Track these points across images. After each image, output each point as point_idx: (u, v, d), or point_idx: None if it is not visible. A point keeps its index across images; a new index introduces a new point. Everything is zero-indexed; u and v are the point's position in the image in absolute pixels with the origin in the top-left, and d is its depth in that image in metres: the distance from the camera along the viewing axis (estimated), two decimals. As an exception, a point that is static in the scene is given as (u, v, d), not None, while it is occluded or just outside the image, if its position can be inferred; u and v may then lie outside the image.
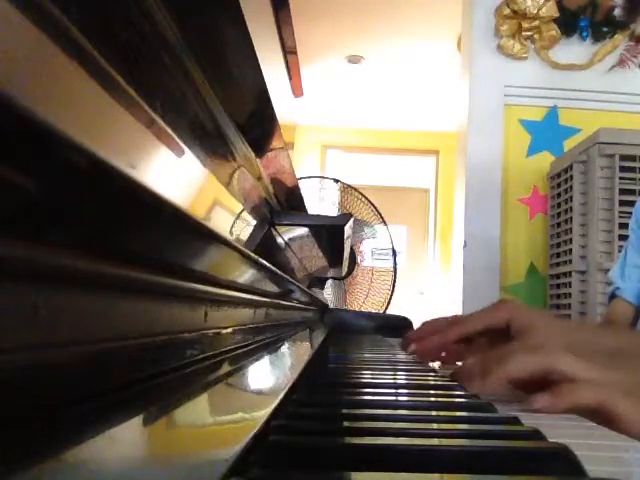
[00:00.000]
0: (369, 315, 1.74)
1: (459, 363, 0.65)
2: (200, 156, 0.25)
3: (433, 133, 4.85)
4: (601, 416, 0.37)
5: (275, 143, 0.44)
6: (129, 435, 0.15)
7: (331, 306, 1.90)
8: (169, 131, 0.20)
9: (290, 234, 0.59)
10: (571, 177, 2.04)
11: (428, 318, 0.81)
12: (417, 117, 4.68)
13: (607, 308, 1.23)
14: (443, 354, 0.67)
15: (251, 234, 0.37)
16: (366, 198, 2.53)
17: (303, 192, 0.68)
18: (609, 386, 0.39)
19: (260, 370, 0.36)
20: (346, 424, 0.30)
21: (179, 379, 0.22)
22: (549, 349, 0.43)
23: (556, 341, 0.54)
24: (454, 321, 0.64)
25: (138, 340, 0.19)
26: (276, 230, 0.50)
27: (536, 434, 0.27)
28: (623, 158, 1.90)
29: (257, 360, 0.37)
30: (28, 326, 0.12)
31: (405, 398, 0.42)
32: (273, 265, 0.39)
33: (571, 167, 2.05)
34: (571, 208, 2.04)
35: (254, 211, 0.40)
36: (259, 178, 0.45)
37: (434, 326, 0.67)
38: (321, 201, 2.48)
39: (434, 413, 0.34)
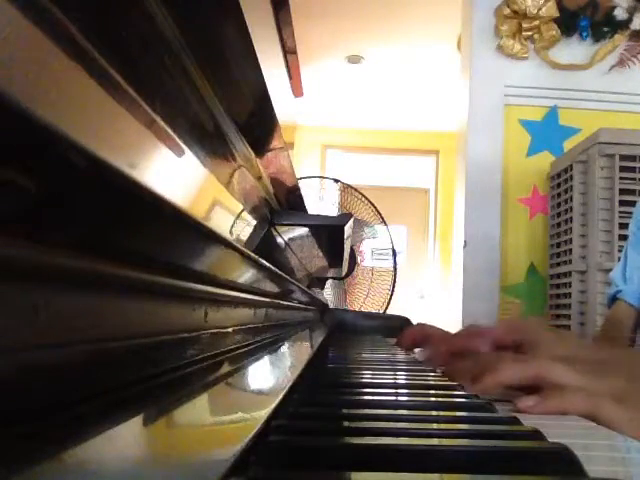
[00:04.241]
0: (369, 315, 1.74)
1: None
2: (200, 156, 0.25)
3: (433, 133, 4.85)
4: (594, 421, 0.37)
5: (275, 143, 0.44)
6: (129, 435, 0.15)
7: (331, 306, 1.89)
8: (169, 131, 0.20)
9: (290, 234, 0.59)
10: (571, 177, 2.04)
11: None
12: (417, 117, 4.67)
13: (609, 310, 1.23)
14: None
15: (251, 234, 0.37)
16: (366, 198, 2.53)
17: (303, 192, 0.68)
18: (597, 394, 0.39)
19: (260, 370, 0.36)
20: (346, 424, 0.30)
21: (179, 379, 0.22)
22: (540, 358, 0.43)
23: (558, 354, 0.53)
24: (466, 333, 0.64)
25: (138, 340, 0.19)
26: (276, 230, 0.50)
27: (536, 434, 0.27)
28: (623, 158, 1.90)
29: (257, 360, 0.37)
30: (28, 326, 0.12)
31: (405, 398, 0.42)
32: (273, 265, 0.39)
33: (571, 167, 2.05)
34: (571, 208, 2.04)
35: (254, 211, 0.40)
36: (259, 178, 0.45)
37: (434, 333, 0.70)
38: (321, 201, 2.48)
39: (434, 413, 0.34)
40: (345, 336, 1.26)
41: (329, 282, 2.20)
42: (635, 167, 1.90)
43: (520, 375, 0.43)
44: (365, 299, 2.48)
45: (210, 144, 0.29)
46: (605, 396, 0.39)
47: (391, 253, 2.52)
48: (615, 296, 1.18)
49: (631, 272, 1.15)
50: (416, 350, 0.85)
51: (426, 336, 0.80)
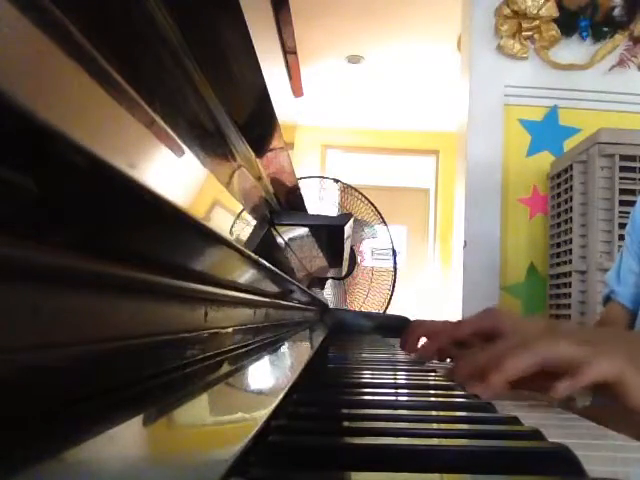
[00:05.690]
0: (369, 315, 1.74)
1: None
2: (200, 156, 0.25)
3: (433, 133, 4.85)
4: (612, 390, 0.37)
5: (275, 143, 0.44)
6: (129, 435, 0.15)
7: (331, 306, 1.89)
8: (169, 131, 0.20)
9: (290, 234, 0.59)
10: (571, 177, 2.04)
11: (428, 319, 0.83)
12: (417, 117, 4.67)
13: (602, 310, 1.24)
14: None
15: (251, 234, 0.37)
16: (366, 198, 2.53)
17: (303, 192, 0.67)
18: (620, 359, 0.39)
19: (260, 370, 0.36)
20: (346, 424, 0.30)
21: (179, 379, 0.22)
22: (541, 340, 0.42)
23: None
24: (447, 327, 0.68)
25: (138, 340, 0.19)
26: (276, 230, 0.50)
27: (536, 434, 0.27)
28: (623, 158, 1.89)
29: (257, 360, 0.37)
30: (28, 326, 0.12)
31: (405, 398, 0.42)
32: (273, 265, 0.39)
33: (571, 167, 2.05)
34: (571, 208, 2.04)
35: (254, 211, 0.40)
36: (259, 178, 0.45)
37: (427, 329, 0.73)
38: (321, 201, 2.48)
39: (434, 413, 0.34)
40: (345, 336, 1.26)
41: (329, 282, 2.20)
42: (635, 167, 1.90)
43: (526, 364, 0.42)
44: (365, 299, 2.47)
45: (210, 144, 0.29)
46: (630, 362, 0.39)
47: (391, 253, 2.52)
48: (609, 297, 1.19)
49: (625, 274, 1.16)
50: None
51: (429, 334, 0.80)
